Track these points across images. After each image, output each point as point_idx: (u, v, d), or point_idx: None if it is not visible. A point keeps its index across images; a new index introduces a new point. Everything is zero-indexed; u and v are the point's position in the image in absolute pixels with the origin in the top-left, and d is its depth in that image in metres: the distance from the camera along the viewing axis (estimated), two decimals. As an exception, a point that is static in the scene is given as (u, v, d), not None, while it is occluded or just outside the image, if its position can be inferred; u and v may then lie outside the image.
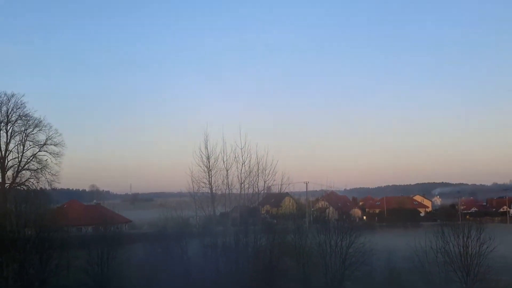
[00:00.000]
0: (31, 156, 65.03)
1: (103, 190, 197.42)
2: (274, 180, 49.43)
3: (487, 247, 36.11)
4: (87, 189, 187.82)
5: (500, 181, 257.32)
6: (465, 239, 37.07)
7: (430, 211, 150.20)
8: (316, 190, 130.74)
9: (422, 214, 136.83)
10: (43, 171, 65.20)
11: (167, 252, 46.34)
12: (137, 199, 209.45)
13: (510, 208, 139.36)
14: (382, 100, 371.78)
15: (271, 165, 48.83)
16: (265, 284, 26.49)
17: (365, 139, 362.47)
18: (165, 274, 44.52)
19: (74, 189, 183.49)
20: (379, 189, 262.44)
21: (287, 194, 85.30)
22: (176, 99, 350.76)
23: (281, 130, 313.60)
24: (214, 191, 48.66)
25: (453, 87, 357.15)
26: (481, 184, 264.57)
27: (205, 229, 50.39)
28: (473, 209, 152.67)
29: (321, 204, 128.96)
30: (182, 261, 45.55)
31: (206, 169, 48.07)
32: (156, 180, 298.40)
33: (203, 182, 48.12)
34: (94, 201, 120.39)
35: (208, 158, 48.09)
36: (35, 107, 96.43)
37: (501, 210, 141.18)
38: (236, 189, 48.95)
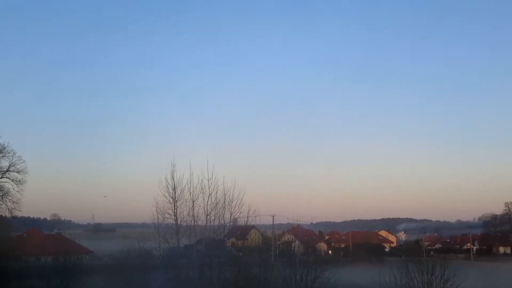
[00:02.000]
0: (-8, 183, 63.09)
1: (65, 219, 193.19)
2: (241, 213, 49.43)
3: (451, 284, 36.15)
4: (48, 218, 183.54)
5: (464, 218, 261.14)
6: (429, 276, 37.07)
7: (395, 247, 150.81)
8: (282, 223, 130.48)
9: (387, 249, 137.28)
10: (4, 198, 63.10)
11: (128, 284, 45.14)
12: (99, 229, 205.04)
13: (473, 246, 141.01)
14: (348, 135, 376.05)
15: (237, 197, 48.84)
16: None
17: (331, 173, 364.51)
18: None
19: (35, 217, 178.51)
20: (345, 224, 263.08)
21: (253, 226, 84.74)
22: (143, 128, 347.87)
23: (248, 163, 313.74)
24: (179, 223, 48.21)
25: (419, 123, 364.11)
26: (445, 221, 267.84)
27: (168, 261, 49.46)
28: (438, 246, 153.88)
29: (287, 237, 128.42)
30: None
31: (171, 200, 47.75)
32: (120, 210, 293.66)
33: (168, 213, 47.74)
34: (55, 230, 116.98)
35: (174, 188, 47.82)
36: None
37: (465, 247, 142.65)
38: (202, 221, 48.66)
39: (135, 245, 49.43)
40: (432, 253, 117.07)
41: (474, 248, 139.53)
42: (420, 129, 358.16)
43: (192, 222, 48.54)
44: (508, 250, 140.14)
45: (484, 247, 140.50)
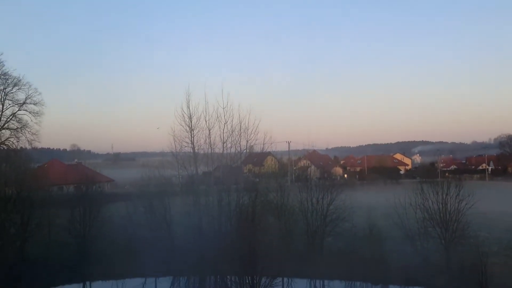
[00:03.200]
0: (10, 115, 64.14)
1: (84, 150, 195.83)
2: (257, 140, 49.65)
3: (466, 204, 36.61)
4: (68, 149, 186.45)
5: (480, 139, 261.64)
6: (444, 196, 37.55)
7: (409, 169, 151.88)
8: (298, 150, 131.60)
9: (402, 172, 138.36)
10: (23, 130, 64.46)
11: (149, 211, 46.57)
12: (119, 159, 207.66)
13: (489, 166, 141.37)
14: (363, 59, 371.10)
15: (253, 124, 48.96)
16: (247, 241, 26.90)
17: (346, 99, 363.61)
18: (147, 233, 44.87)
19: (55, 148, 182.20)
20: (360, 148, 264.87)
21: (269, 153, 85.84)
22: (158, 57, 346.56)
23: (263, 90, 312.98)
24: (196, 151, 48.78)
25: (434, 45, 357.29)
26: (460, 143, 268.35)
27: (187, 188, 50.57)
28: (453, 167, 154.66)
29: (303, 163, 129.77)
30: (164, 220, 45.85)
31: (188, 129, 48.08)
32: (138, 139, 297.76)
33: (186, 142, 48.21)
34: (75, 160, 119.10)
35: (190, 117, 48.04)
36: (14, 66, 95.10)
37: (480, 168, 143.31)
38: (218, 149, 49.18)
39: (155, 173, 50.48)
40: (447, 174, 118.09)
41: (489, 168, 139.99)
42: (435, 51, 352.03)
43: (209, 150, 49.04)
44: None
45: (499, 167, 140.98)
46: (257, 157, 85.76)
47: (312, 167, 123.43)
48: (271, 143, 51.78)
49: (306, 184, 50.21)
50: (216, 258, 37.80)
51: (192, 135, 48.04)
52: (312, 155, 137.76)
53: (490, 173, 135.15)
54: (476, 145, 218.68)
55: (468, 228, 37.06)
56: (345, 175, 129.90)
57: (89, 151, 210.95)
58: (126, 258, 40.51)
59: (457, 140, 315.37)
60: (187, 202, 47.92)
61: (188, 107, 48.18)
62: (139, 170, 58.23)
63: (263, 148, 52.35)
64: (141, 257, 40.01)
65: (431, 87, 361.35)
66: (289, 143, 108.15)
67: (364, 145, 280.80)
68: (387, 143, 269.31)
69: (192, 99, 49.12)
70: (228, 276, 34.51)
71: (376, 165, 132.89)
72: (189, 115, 47.97)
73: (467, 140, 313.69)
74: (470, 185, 45.50)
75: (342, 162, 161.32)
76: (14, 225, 41.71)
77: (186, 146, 48.31)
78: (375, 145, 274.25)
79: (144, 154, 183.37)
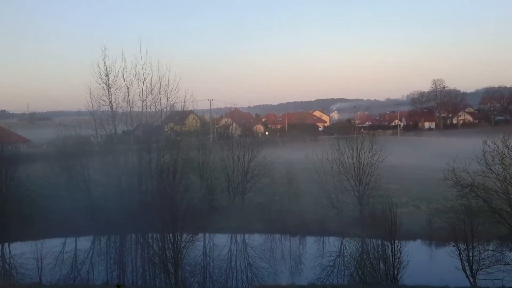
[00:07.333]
0: None
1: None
2: (177, 98, 49.47)
3: (378, 158, 38.61)
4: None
5: (393, 96, 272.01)
6: (358, 151, 39.38)
7: (328, 126, 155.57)
8: (220, 108, 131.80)
9: (320, 129, 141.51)
10: None
11: (67, 171, 45.58)
12: (34, 118, 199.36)
13: (401, 122, 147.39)
14: (283, 19, 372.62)
15: (173, 82, 48.60)
16: (169, 199, 27.19)
17: (267, 56, 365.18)
18: (66, 193, 44.17)
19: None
20: (281, 106, 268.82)
21: (191, 111, 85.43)
22: (75, 11, 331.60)
23: (183, 47, 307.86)
24: (114, 109, 47.81)
25: (351, 4, 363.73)
26: (375, 100, 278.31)
27: (106, 147, 49.77)
28: (368, 123, 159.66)
29: (225, 121, 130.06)
30: (83, 179, 45.14)
31: (105, 86, 46.90)
32: (55, 98, 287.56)
33: (103, 100, 47.05)
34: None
35: (107, 74, 46.85)
36: None
37: (393, 123, 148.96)
38: (138, 107, 48.46)
39: (72, 133, 49.14)
40: (362, 130, 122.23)
41: (401, 124, 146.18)
42: (351, 10, 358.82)
43: (128, 108, 48.14)
44: (432, 125, 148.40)
45: (411, 123, 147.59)
46: (178, 116, 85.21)
47: (234, 125, 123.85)
48: (192, 101, 51.90)
49: (227, 142, 50.92)
50: (137, 216, 37.90)
51: (110, 93, 46.98)
52: (234, 113, 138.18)
53: (402, 129, 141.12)
54: (390, 102, 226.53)
55: (380, 180, 39.16)
56: (266, 133, 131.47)
57: (3, 111, 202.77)
58: (45, 218, 39.82)
59: (372, 97, 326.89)
60: (107, 161, 47.33)
61: (105, 64, 46.96)
62: (55, 129, 56.48)
63: (184, 106, 52.35)
64: (60, 217, 39.44)
65: (349, 46, 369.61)
66: (211, 101, 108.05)
67: (285, 102, 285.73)
68: (307, 101, 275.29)
69: (109, 56, 47.96)
70: (149, 234, 34.78)
71: (296, 122, 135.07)
72: (106, 72, 46.79)
73: (382, 97, 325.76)
74: (383, 140, 47.79)
75: (263, 119, 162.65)
76: None
77: (104, 105, 47.21)
78: (296, 102, 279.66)
79: (60, 113, 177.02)
